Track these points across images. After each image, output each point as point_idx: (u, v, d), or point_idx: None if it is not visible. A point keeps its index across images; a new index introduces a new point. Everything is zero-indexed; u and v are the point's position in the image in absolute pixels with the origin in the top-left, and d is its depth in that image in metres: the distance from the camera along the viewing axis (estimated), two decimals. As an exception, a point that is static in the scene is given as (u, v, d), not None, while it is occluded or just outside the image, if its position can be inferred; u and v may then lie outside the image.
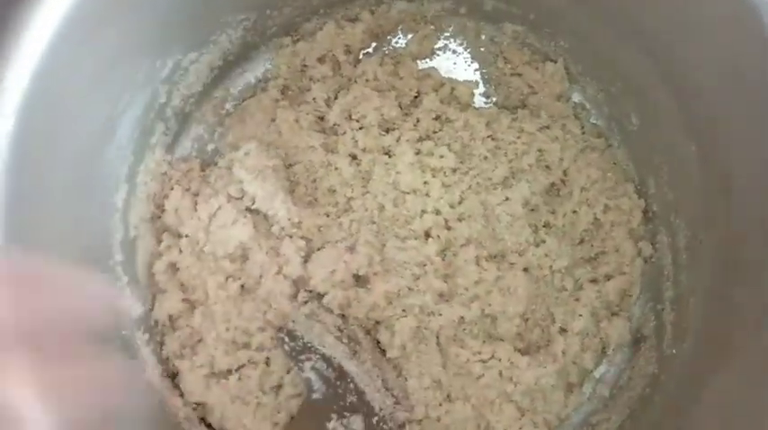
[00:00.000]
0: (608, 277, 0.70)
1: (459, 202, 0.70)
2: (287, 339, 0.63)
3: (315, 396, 0.61)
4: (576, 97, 0.75)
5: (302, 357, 0.62)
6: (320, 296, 0.67)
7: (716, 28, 0.55)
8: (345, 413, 0.61)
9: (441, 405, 0.67)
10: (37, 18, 0.48)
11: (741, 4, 0.53)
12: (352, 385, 0.62)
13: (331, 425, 0.60)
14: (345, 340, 0.65)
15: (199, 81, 0.69)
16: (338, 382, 0.62)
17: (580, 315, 0.69)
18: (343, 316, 0.67)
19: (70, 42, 0.49)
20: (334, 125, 0.72)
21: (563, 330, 0.69)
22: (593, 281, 0.70)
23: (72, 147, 0.54)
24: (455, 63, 0.76)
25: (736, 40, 0.54)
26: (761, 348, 0.54)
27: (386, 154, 0.71)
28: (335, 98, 0.73)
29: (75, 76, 0.51)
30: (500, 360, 0.67)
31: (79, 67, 0.51)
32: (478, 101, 0.76)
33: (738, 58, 0.54)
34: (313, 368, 0.62)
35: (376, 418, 0.62)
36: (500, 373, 0.67)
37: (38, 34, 0.48)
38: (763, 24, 0.52)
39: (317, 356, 0.62)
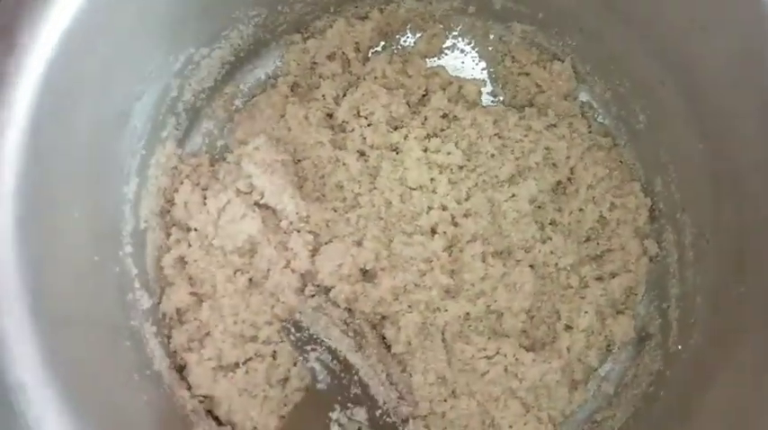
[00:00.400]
0: (613, 275, 0.71)
1: (466, 199, 0.70)
2: (293, 330, 0.64)
3: (319, 386, 0.61)
4: (584, 96, 0.75)
5: (307, 348, 0.63)
6: (327, 290, 0.68)
7: (724, 27, 0.55)
8: (349, 404, 0.61)
9: (445, 401, 0.68)
10: (54, 4, 0.49)
11: (749, 3, 0.53)
12: (356, 377, 0.62)
13: (334, 415, 0.60)
14: (351, 334, 0.65)
15: (210, 76, 0.70)
16: (343, 374, 0.62)
17: (585, 312, 0.69)
18: (349, 310, 0.68)
19: (86, 29, 0.51)
20: (343, 122, 0.73)
21: (568, 327, 0.70)
22: (599, 278, 0.71)
23: (86, 134, 0.55)
24: (463, 62, 0.77)
25: (744, 39, 0.54)
26: (767, 344, 0.54)
27: (393, 151, 0.72)
28: (344, 95, 0.73)
29: (90, 64, 0.52)
30: (505, 356, 0.67)
31: (94, 54, 0.52)
32: (486, 99, 0.76)
33: (747, 56, 0.54)
34: (318, 359, 0.62)
35: (379, 411, 0.62)
36: (505, 369, 0.67)
37: (55, 20, 0.49)
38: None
39: (323, 348, 0.63)
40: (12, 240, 0.49)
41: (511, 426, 0.67)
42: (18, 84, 0.49)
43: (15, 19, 0.49)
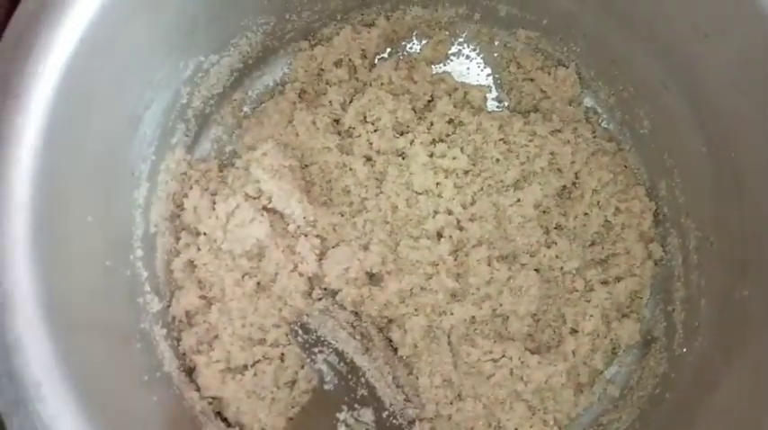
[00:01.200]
0: (618, 279, 0.71)
1: (472, 203, 0.71)
2: (300, 332, 0.64)
3: (326, 387, 0.62)
4: (588, 102, 0.76)
5: (315, 350, 0.63)
6: (334, 293, 0.68)
7: (726, 30, 0.56)
8: (356, 405, 0.62)
9: (451, 403, 0.68)
10: (70, 12, 0.50)
11: (749, 7, 0.54)
12: (363, 379, 0.63)
13: (342, 415, 0.61)
14: (358, 337, 0.66)
15: (219, 83, 0.71)
16: (350, 376, 0.63)
17: (591, 316, 0.69)
18: (356, 313, 0.69)
19: (100, 38, 0.52)
20: (350, 127, 0.74)
21: (574, 331, 0.70)
22: (604, 282, 0.71)
23: (98, 140, 0.56)
24: (468, 68, 0.78)
25: (745, 42, 0.55)
26: (769, 347, 0.55)
27: (400, 156, 0.73)
28: (351, 101, 0.74)
29: (103, 71, 0.54)
30: (511, 359, 0.68)
31: (107, 62, 0.53)
32: (491, 105, 0.77)
33: (748, 59, 0.55)
34: (325, 361, 0.63)
35: (386, 413, 0.63)
36: (511, 372, 0.68)
37: (70, 29, 0.50)
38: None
39: (330, 350, 0.64)
40: (26, 244, 0.50)
41: (517, 429, 0.68)
42: (33, 91, 0.50)
43: (31, 29, 0.50)
